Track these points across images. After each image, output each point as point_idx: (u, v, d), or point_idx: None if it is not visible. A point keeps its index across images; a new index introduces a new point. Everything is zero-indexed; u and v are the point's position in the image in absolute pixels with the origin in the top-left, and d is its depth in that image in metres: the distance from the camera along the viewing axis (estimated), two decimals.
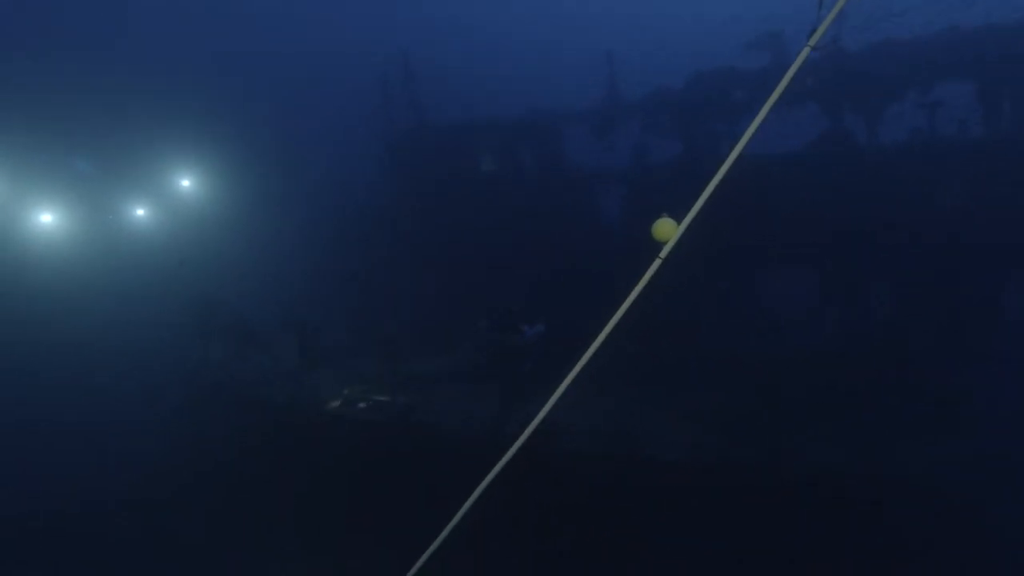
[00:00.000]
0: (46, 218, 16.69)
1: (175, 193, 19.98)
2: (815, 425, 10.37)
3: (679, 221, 2.07)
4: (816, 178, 16.36)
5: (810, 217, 15.58)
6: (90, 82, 24.98)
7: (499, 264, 18.90)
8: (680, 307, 14.94)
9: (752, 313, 16.71)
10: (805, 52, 2.00)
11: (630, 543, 9.53)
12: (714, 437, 10.66)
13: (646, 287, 2.06)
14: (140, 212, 19.35)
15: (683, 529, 9.07)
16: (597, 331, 2.40)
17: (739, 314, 16.50)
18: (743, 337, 15.28)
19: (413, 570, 2.62)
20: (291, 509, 11.04)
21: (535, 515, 9.93)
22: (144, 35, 31.07)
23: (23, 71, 22.82)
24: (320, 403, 13.56)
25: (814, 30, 1.99)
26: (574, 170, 21.80)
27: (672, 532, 9.15)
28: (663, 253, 2.03)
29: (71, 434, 12.51)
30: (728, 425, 10.88)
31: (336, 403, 13.54)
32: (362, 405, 13.36)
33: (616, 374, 12.64)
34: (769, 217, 16.00)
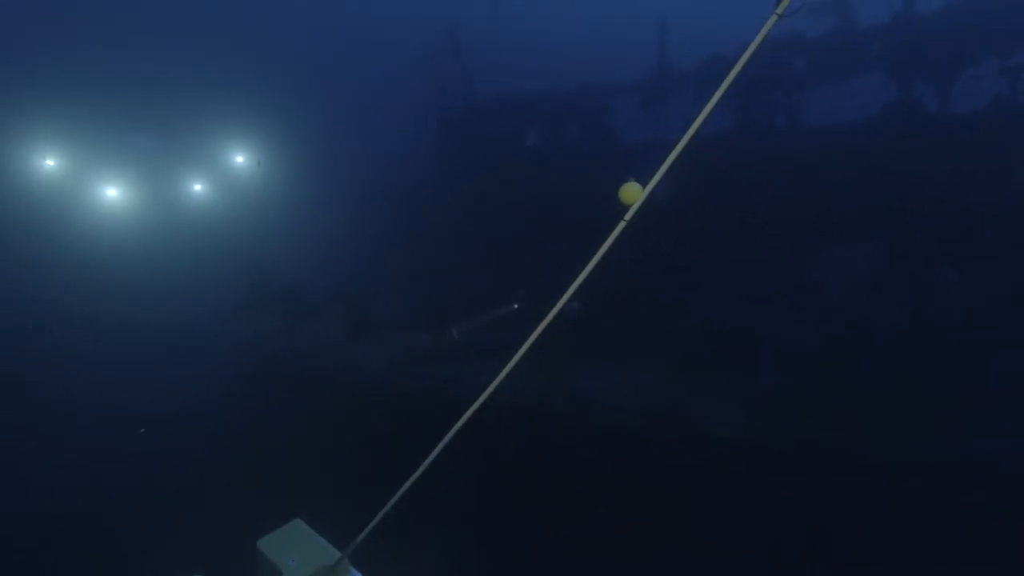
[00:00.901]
0: (112, 192, 17.62)
1: (230, 169, 20.64)
2: (874, 411, 9.98)
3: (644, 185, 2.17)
4: (886, 148, 15.45)
5: (878, 190, 14.78)
6: (152, 66, 25.85)
7: (545, 238, 18.76)
8: (741, 289, 14.60)
9: (813, 294, 16.06)
10: (772, 19, 1.88)
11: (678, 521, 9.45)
12: (767, 418, 10.41)
13: (612, 248, 2.09)
14: (197, 187, 20.08)
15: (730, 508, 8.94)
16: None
17: (798, 295, 15.90)
18: (802, 318, 14.73)
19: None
20: (334, 477, 11.38)
21: (586, 488, 9.96)
22: (201, 20, 31.84)
23: (93, 60, 23.79)
24: (367, 374, 13.89)
25: None
26: (623, 143, 21.32)
27: (719, 511, 9.03)
28: (628, 215, 2.07)
29: (131, 401, 13.13)
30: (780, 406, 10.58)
31: (382, 374, 13.84)
32: (408, 377, 13.61)
33: (673, 354, 12.55)
34: (833, 191, 15.29)
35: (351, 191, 23.10)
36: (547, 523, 9.90)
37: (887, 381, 10.65)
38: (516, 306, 14.51)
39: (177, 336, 15.73)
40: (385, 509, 2.42)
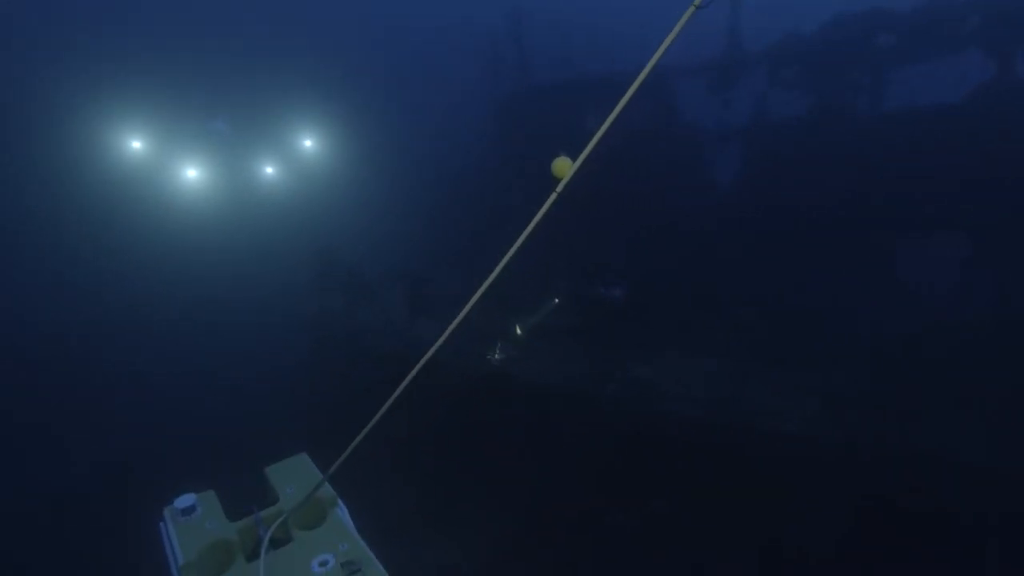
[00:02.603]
0: (191, 173, 18.68)
1: (300, 152, 21.43)
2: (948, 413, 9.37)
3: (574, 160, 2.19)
4: (981, 131, 14.32)
5: (969, 176, 13.74)
6: (228, 58, 27.12)
7: (605, 224, 18.52)
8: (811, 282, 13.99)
9: (893, 286, 15.18)
10: (691, 11, 1.91)
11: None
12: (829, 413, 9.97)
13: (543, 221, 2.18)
14: (269, 170, 20.97)
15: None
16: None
17: (875, 286, 15.07)
18: (880, 311, 13.96)
19: None
20: (393, 455, 11.73)
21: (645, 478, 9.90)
22: (276, 10, 33.11)
23: (174, 54, 25.17)
24: (425, 354, 14.15)
25: None
26: (689, 129, 20.69)
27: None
28: (559, 188, 2.18)
29: (210, 375, 13.95)
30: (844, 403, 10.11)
31: (443, 355, 14.06)
32: (467, 357, 13.79)
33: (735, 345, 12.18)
34: (918, 177, 14.34)
35: (413, 176, 23.52)
36: (593, 511, 9.89)
37: (968, 381, 9.95)
38: (556, 301, 14.46)
39: (250, 316, 16.59)
40: (359, 437, 2.63)
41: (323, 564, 2.51)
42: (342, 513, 2.84)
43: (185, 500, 2.83)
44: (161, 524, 2.80)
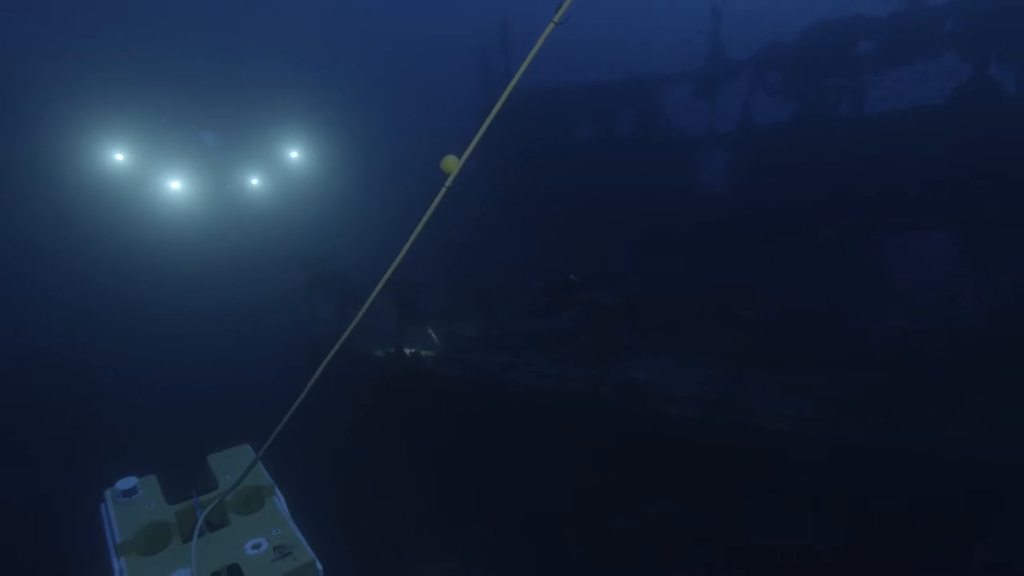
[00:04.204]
0: (175, 184, 18.54)
1: (287, 163, 21.36)
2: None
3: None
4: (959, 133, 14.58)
5: (952, 177, 13.97)
6: (216, 69, 27.08)
7: (592, 230, 18.65)
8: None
9: (883, 286, 15.36)
10: (550, 27, 2.07)
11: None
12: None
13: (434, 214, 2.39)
14: (255, 181, 20.87)
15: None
16: None
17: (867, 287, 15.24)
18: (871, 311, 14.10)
19: None
20: (378, 460, 11.77)
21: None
22: (262, 21, 33.17)
23: (162, 65, 25.12)
24: (416, 360, 14.12)
25: (559, 5, 2.02)
26: (674, 135, 20.90)
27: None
28: (447, 183, 2.36)
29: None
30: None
31: (432, 360, 14.06)
32: (457, 363, 13.79)
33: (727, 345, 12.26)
34: (905, 179, 14.58)
35: (399, 185, 23.61)
36: (591, 513, 9.87)
37: (961, 379, 10.05)
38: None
39: (231, 324, 16.57)
40: (289, 413, 2.79)
41: (256, 547, 2.63)
42: (279, 502, 2.98)
43: (126, 482, 2.92)
44: (102, 505, 2.87)
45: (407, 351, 14.11)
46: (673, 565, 8.92)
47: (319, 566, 2.58)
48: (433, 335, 15.01)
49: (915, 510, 8.18)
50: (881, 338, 12.13)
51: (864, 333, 12.64)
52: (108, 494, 2.92)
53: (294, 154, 21.05)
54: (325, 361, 2.70)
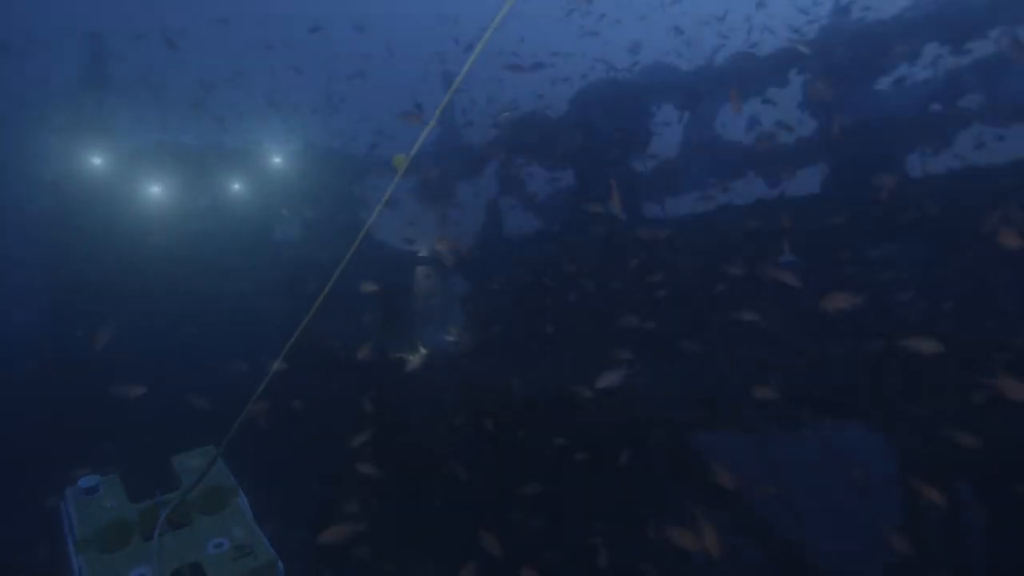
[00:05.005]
0: (155, 189, 18.37)
1: (266, 169, 21.28)
2: None
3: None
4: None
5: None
6: (197, 72, 27.00)
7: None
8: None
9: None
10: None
11: None
12: None
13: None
14: (236, 186, 20.75)
15: None
16: None
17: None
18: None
19: None
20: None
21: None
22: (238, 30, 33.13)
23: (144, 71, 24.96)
24: (393, 362, 14.15)
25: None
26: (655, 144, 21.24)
27: None
28: (396, 178, 2.49)
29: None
30: None
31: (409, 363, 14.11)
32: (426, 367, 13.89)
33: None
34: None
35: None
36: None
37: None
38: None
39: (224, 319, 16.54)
40: (247, 406, 2.83)
41: (218, 546, 2.67)
42: (242, 503, 3.00)
43: (88, 480, 2.92)
44: (63, 503, 2.87)
45: (389, 354, 14.12)
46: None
47: (280, 565, 2.62)
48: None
49: None
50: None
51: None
52: (68, 492, 2.92)
53: (276, 159, 21.02)
54: (275, 364, 2.77)
